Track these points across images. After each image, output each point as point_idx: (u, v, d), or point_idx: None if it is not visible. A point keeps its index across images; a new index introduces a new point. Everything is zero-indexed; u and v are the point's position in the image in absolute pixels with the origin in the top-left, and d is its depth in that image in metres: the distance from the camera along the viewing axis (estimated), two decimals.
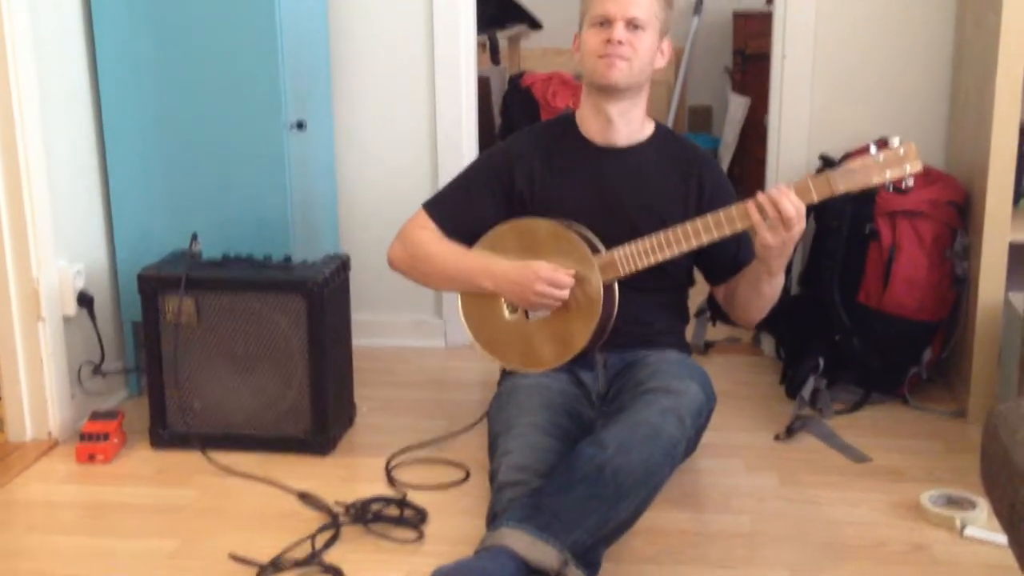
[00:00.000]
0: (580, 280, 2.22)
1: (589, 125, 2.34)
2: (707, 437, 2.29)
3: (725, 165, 5.01)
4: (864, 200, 2.66)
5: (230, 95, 2.73)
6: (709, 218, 2.16)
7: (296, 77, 2.80)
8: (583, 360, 2.29)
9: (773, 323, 3.02)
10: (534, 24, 4.99)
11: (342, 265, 2.61)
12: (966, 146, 2.78)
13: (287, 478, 2.39)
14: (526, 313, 2.29)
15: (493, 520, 1.94)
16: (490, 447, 2.18)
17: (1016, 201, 2.64)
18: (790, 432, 2.59)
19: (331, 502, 2.27)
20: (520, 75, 4.50)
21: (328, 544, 2.11)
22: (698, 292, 2.56)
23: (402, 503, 2.27)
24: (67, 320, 2.64)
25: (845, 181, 2.09)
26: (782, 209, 2.06)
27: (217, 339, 2.49)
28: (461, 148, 3.17)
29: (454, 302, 2.40)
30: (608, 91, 2.26)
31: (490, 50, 4.61)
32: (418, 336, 3.31)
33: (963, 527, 2.13)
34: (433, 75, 3.15)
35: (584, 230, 2.26)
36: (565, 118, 2.41)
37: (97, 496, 2.36)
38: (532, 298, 2.22)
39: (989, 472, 1.58)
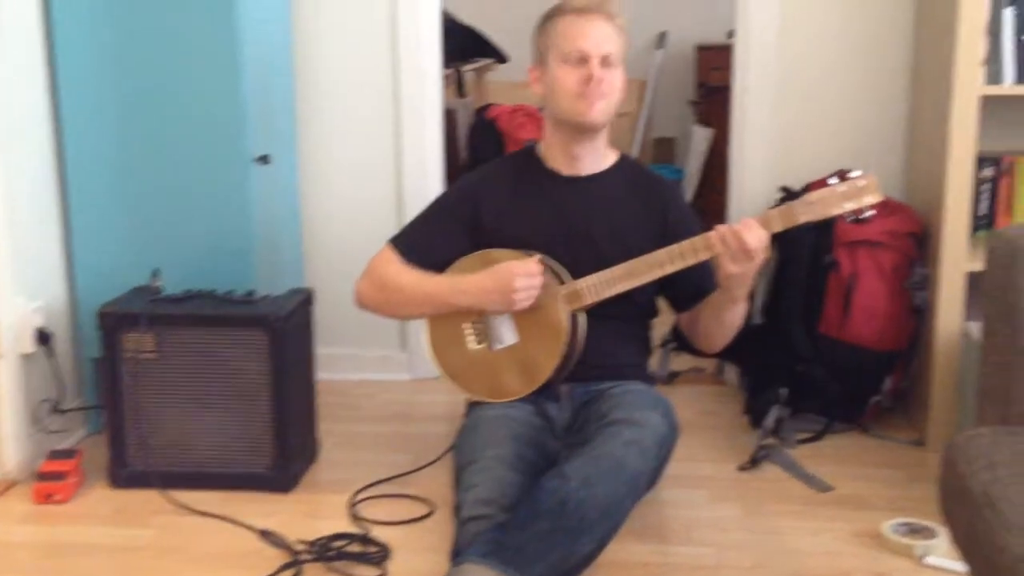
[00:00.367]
0: (545, 309, 2.22)
1: (554, 157, 2.35)
2: (671, 468, 2.29)
3: (689, 196, 5.06)
4: (824, 231, 2.69)
5: (193, 129, 2.72)
6: (675, 248, 2.18)
7: (260, 110, 2.80)
8: (548, 391, 2.29)
9: (736, 353, 3.02)
10: (500, 58, 5.03)
11: (306, 299, 2.60)
12: (923, 177, 2.82)
13: (248, 516, 2.37)
14: (491, 344, 2.29)
15: (457, 555, 1.93)
16: (454, 481, 2.17)
17: (973, 231, 2.67)
18: (753, 462, 2.60)
19: (293, 540, 2.25)
20: (486, 108, 4.53)
21: None
22: (662, 323, 2.57)
23: (365, 540, 2.26)
24: (25, 358, 2.61)
25: (806, 212, 2.12)
26: (745, 240, 2.08)
27: (178, 375, 2.47)
28: (427, 181, 3.18)
29: (419, 335, 2.39)
30: (585, 130, 2.28)
31: (456, 83, 4.64)
32: (383, 370, 3.30)
33: (924, 556, 2.14)
34: (399, 108, 3.16)
35: (549, 260, 2.27)
36: (528, 150, 2.42)
37: (54, 536, 2.33)
38: (515, 295, 2.20)
39: (948, 501, 1.59)
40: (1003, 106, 2.74)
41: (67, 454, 2.53)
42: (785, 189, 2.94)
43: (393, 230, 2.48)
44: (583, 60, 2.22)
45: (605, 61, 2.22)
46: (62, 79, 2.71)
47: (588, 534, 1.91)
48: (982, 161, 2.72)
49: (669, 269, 2.19)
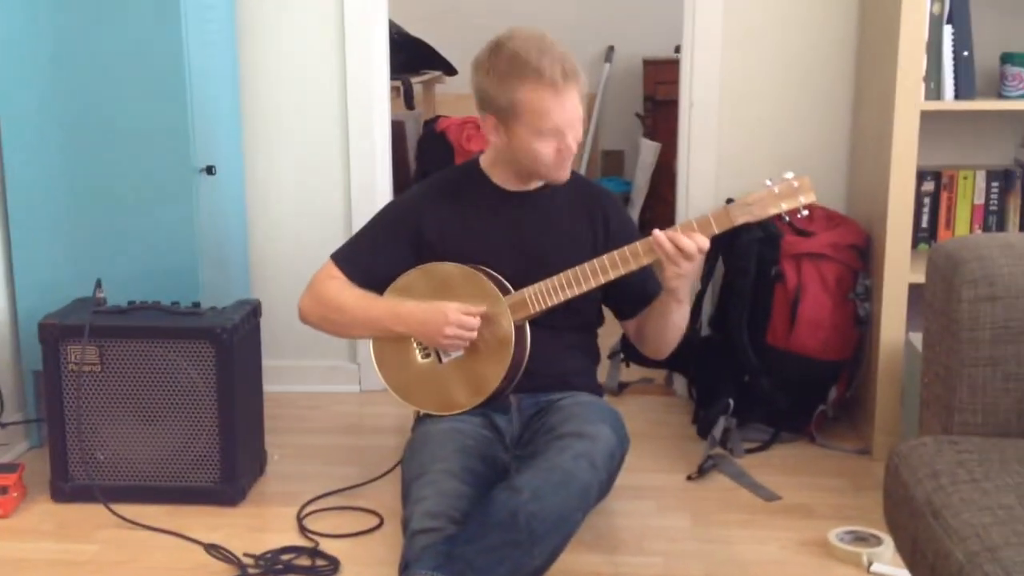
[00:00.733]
0: (490, 320, 2.22)
1: (502, 176, 2.34)
2: (621, 478, 2.29)
3: (637, 208, 5.09)
4: (770, 244, 2.73)
5: (137, 138, 2.69)
6: (616, 254, 2.19)
7: (205, 121, 2.77)
8: (497, 403, 2.29)
9: (685, 364, 3.06)
10: (449, 70, 5.03)
11: (253, 311, 2.58)
12: (866, 191, 2.86)
13: (195, 530, 2.34)
14: (439, 356, 2.28)
15: (405, 568, 1.92)
16: (403, 494, 2.15)
17: (914, 244, 2.72)
18: (702, 472, 2.62)
19: (240, 554, 2.22)
20: (435, 120, 4.52)
21: None
22: (611, 334, 2.59)
23: (314, 553, 2.24)
24: None
25: (743, 213, 2.15)
26: (681, 244, 2.11)
27: (122, 388, 2.44)
28: (375, 192, 3.16)
29: (368, 347, 2.38)
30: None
31: (404, 95, 4.63)
32: (332, 381, 3.28)
33: (870, 563, 2.17)
34: (346, 119, 3.15)
35: (493, 273, 2.27)
36: (471, 164, 2.41)
37: None
38: (441, 340, 2.22)
39: (892, 510, 1.61)
40: (943, 121, 2.80)
41: (8, 468, 2.48)
42: (731, 201, 2.97)
43: (341, 241, 2.46)
44: (558, 133, 2.19)
45: (575, 133, 2.22)
46: (2, 89, 2.66)
47: (538, 547, 1.91)
48: (923, 175, 2.77)
49: (612, 275, 2.20)
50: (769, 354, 2.75)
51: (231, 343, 2.41)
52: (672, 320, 2.29)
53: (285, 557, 2.21)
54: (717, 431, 2.74)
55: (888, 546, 2.18)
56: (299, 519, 2.39)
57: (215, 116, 2.88)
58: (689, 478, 2.61)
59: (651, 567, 2.20)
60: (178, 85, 2.65)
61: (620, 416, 2.29)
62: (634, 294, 2.36)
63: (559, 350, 2.34)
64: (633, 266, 2.19)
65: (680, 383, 3.20)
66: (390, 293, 2.32)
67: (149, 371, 2.43)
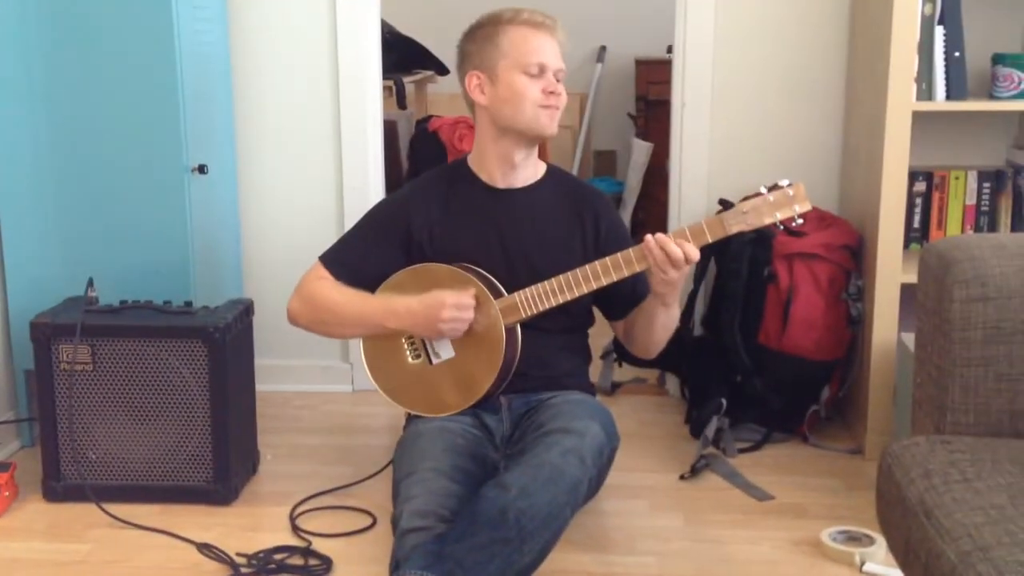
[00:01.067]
0: (481, 309, 2.22)
1: (489, 169, 2.35)
2: (612, 478, 2.30)
3: (629, 208, 5.09)
4: (762, 244, 2.73)
5: (129, 138, 2.68)
6: (608, 260, 2.19)
7: (197, 119, 2.77)
8: (487, 403, 2.29)
9: (677, 364, 3.07)
10: (441, 69, 5.03)
11: (245, 310, 2.58)
12: (858, 191, 2.87)
13: (187, 529, 2.33)
14: (429, 358, 2.28)
15: (396, 568, 1.92)
16: (393, 493, 2.15)
17: (906, 244, 2.73)
18: (694, 471, 2.63)
19: (233, 553, 2.22)
20: (427, 119, 4.52)
21: None
22: (605, 334, 2.59)
23: (307, 552, 2.24)
24: None
25: (738, 222, 2.15)
26: (669, 252, 2.11)
27: (114, 387, 2.43)
28: (367, 192, 3.16)
29: (360, 346, 2.38)
30: (536, 139, 2.30)
31: (396, 94, 4.63)
32: (324, 381, 3.28)
33: (862, 563, 2.17)
34: (339, 119, 3.15)
35: (484, 274, 2.27)
36: (459, 163, 2.41)
37: None
38: (441, 325, 2.21)
39: (884, 510, 1.62)
40: (935, 122, 2.81)
41: (0, 467, 2.47)
42: (724, 202, 2.98)
43: (333, 241, 2.46)
44: (542, 71, 2.24)
45: (558, 76, 2.26)
46: None
47: (528, 544, 1.91)
48: (915, 176, 2.78)
49: (604, 281, 2.20)
50: (762, 354, 2.76)
51: (223, 342, 2.41)
52: (659, 322, 2.29)
53: (278, 556, 2.21)
54: (710, 431, 2.75)
55: (881, 546, 2.19)
56: (292, 518, 2.39)
57: (207, 115, 2.87)
58: (682, 478, 2.62)
59: (643, 567, 2.20)
60: (170, 84, 2.65)
61: (610, 413, 2.30)
62: (623, 296, 2.36)
63: (550, 351, 2.34)
64: (625, 272, 2.19)
65: (673, 383, 3.20)
66: (380, 293, 2.32)
67: (141, 370, 2.42)
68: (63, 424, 2.44)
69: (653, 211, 4.86)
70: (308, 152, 3.17)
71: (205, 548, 2.25)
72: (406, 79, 4.75)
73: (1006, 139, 2.96)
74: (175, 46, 2.63)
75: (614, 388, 3.23)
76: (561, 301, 2.22)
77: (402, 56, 4.78)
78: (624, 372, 3.23)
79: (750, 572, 2.18)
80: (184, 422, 2.44)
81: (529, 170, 2.36)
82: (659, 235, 2.14)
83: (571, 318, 2.36)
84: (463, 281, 2.25)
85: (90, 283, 2.53)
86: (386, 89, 4.42)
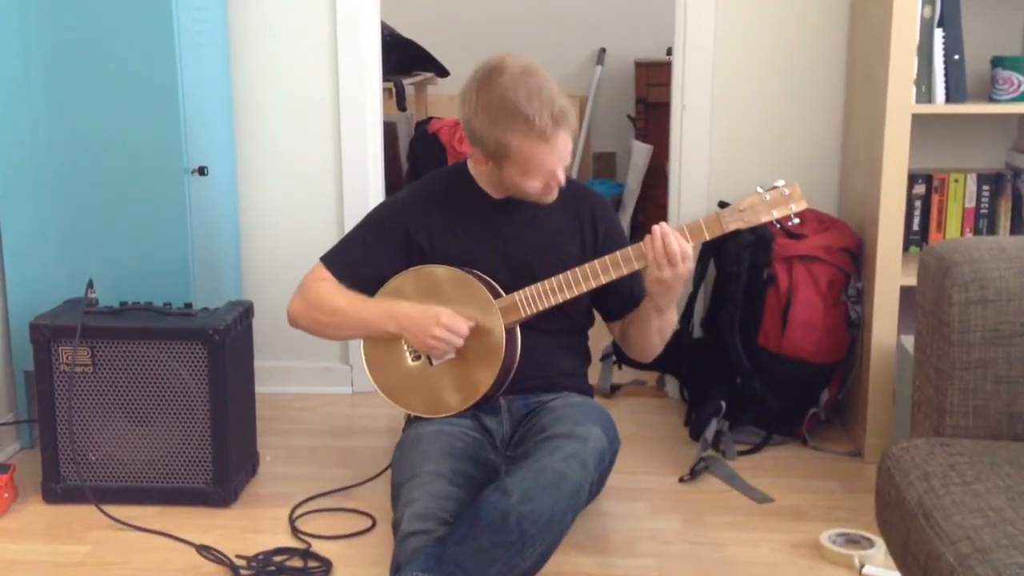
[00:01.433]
0: (481, 331, 2.23)
1: (489, 186, 2.34)
2: (612, 480, 2.30)
3: (629, 210, 5.09)
4: (762, 246, 2.73)
5: (129, 139, 2.68)
6: (607, 259, 2.20)
7: (197, 121, 2.77)
8: (487, 405, 2.29)
9: (677, 366, 3.07)
10: (441, 71, 5.03)
11: (245, 312, 2.58)
12: (857, 194, 2.87)
13: (187, 531, 2.33)
14: (429, 360, 2.29)
15: (396, 571, 1.92)
16: (393, 496, 2.16)
17: (906, 247, 2.73)
18: (694, 474, 2.63)
19: (232, 555, 2.22)
20: (427, 121, 4.52)
21: None
22: (604, 336, 2.59)
23: (306, 554, 2.24)
24: None
25: (735, 220, 2.17)
26: (668, 246, 2.11)
27: (114, 389, 2.43)
28: (367, 194, 3.16)
29: (359, 348, 2.38)
30: None
31: (396, 96, 4.63)
32: (324, 383, 3.28)
33: (861, 566, 2.17)
34: (339, 121, 3.15)
35: (485, 277, 2.27)
36: (460, 168, 2.41)
37: None
38: (428, 341, 2.22)
39: (884, 512, 1.62)
40: (934, 124, 2.81)
41: (0, 469, 2.47)
42: (723, 204, 2.97)
43: (333, 243, 2.46)
44: (548, 173, 2.20)
45: (565, 164, 2.22)
46: None
47: (529, 548, 1.92)
48: (914, 178, 2.78)
49: (603, 279, 2.21)
50: (761, 356, 2.76)
51: (223, 344, 2.41)
52: (653, 326, 2.30)
53: (277, 558, 2.21)
54: (709, 433, 2.75)
55: (880, 548, 2.19)
56: (291, 520, 2.39)
57: (207, 117, 2.88)
58: (681, 480, 2.62)
59: (643, 569, 2.20)
60: (170, 86, 2.65)
61: (611, 417, 2.30)
62: (621, 296, 2.36)
63: (549, 352, 2.34)
64: (624, 271, 2.20)
65: (672, 385, 3.20)
66: (381, 295, 2.32)
67: (141, 372, 2.42)
68: (63, 426, 2.44)
69: (653, 213, 4.86)
70: (308, 154, 3.17)
71: (204, 550, 2.25)
72: (406, 81, 4.76)
73: (1005, 142, 2.97)
74: (175, 47, 2.63)
75: (613, 390, 3.23)
76: (560, 300, 2.22)
77: (402, 58, 4.78)
78: (623, 374, 3.23)
79: (749, 574, 2.18)
80: (184, 424, 2.44)
81: None
82: (663, 224, 2.14)
83: (570, 319, 2.37)
84: (464, 283, 2.25)
85: (90, 285, 2.53)
86: (386, 91, 4.43)
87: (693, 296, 3.02)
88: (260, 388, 2.74)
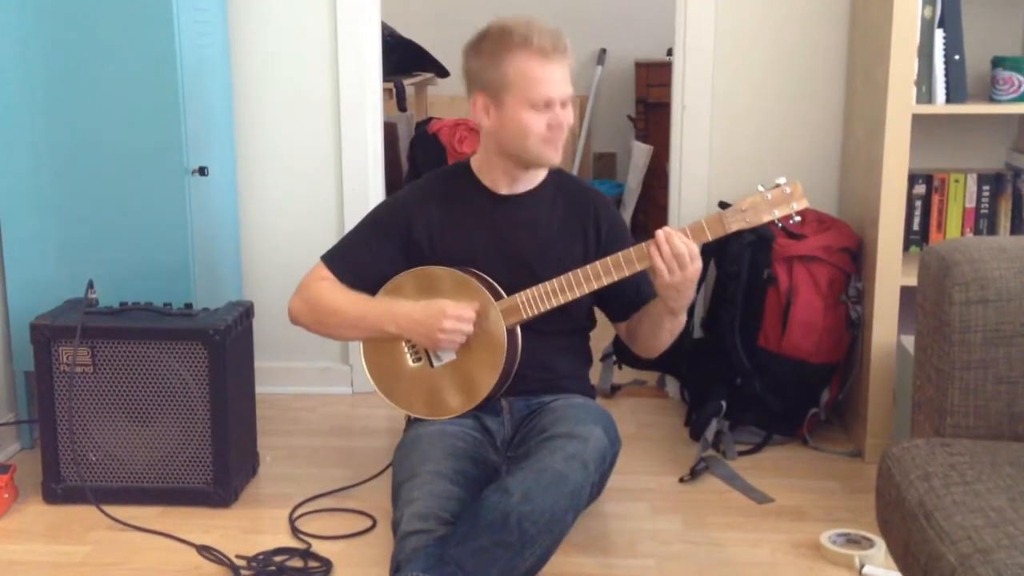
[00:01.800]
0: (483, 318, 2.22)
1: (493, 177, 2.34)
2: (612, 480, 2.30)
3: (630, 211, 5.10)
4: (762, 247, 2.73)
5: (129, 140, 2.68)
6: (609, 260, 2.19)
7: (197, 122, 2.77)
8: (488, 406, 2.29)
9: (677, 366, 3.07)
10: (441, 72, 5.03)
11: (245, 312, 2.58)
12: (857, 194, 2.87)
13: (187, 531, 2.33)
14: (430, 361, 2.28)
15: (396, 571, 1.92)
16: (393, 496, 2.15)
17: (906, 247, 2.73)
18: (694, 474, 2.62)
19: (233, 555, 2.22)
20: (427, 121, 4.52)
21: None
22: (604, 336, 2.59)
23: (306, 554, 2.24)
24: None
25: (737, 220, 2.16)
26: (674, 246, 2.11)
27: (114, 389, 2.43)
28: (367, 194, 3.16)
29: (360, 348, 2.38)
30: (545, 167, 2.30)
31: (396, 96, 4.63)
32: (324, 383, 3.28)
33: (862, 566, 2.17)
34: (339, 121, 3.15)
35: (485, 277, 2.27)
36: (462, 166, 2.41)
37: None
38: (439, 335, 2.21)
39: (884, 512, 1.62)
40: (935, 124, 2.81)
41: (0, 469, 2.47)
42: (723, 204, 2.97)
43: (334, 243, 2.46)
44: (548, 105, 2.19)
45: (564, 103, 2.22)
46: None
47: (530, 548, 1.91)
48: (915, 178, 2.78)
49: (605, 281, 2.20)
50: (761, 357, 2.76)
51: (224, 345, 2.41)
52: (665, 329, 2.30)
53: (278, 559, 2.21)
54: (709, 433, 2.75)
55: (880, 548, 2.19)
56: (291, 521, 2.39)
57: (207, 117, 2.88)
58: (681, 480, 2.62)
59: (643, 569, 2.20)
60: (170, 86, 2.65)
61: (612, 417, 2.30)
62: (627, 297, 2.36)
63: (550, 353, 2.34)
64: (626, 272, 2.19)
65: (672, 385, 3.20)
66: (381, 295, 2.32)
67: (141, 372, 2.42)
68: (63, 426, 2.44)
69: (653, 214, 4.86)
70: (308, 154, 3.17)
71: (205, 550, 2.25)
72: (406, 81, 4.75)
73: (1006, 142, 2.97)
74: (175, 47, 2.63)
75: (614, 390, 3.23)
76: (562, 301, 2.22)
77: (402, 58, 4.78)
78: (624, 374, 3.23)
79: (750, 574, 2.18)
80: (184, 424, 2.44)
81: (531, 176, 2.36)
82: (667, 229, 2.14)
83: (572, 320, 2.36)
84: (464, 284, 2.25)
85: (90, 285, 2.53)
86: (386, 91, 4.43)
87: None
88: (260, 388, 2.74)
